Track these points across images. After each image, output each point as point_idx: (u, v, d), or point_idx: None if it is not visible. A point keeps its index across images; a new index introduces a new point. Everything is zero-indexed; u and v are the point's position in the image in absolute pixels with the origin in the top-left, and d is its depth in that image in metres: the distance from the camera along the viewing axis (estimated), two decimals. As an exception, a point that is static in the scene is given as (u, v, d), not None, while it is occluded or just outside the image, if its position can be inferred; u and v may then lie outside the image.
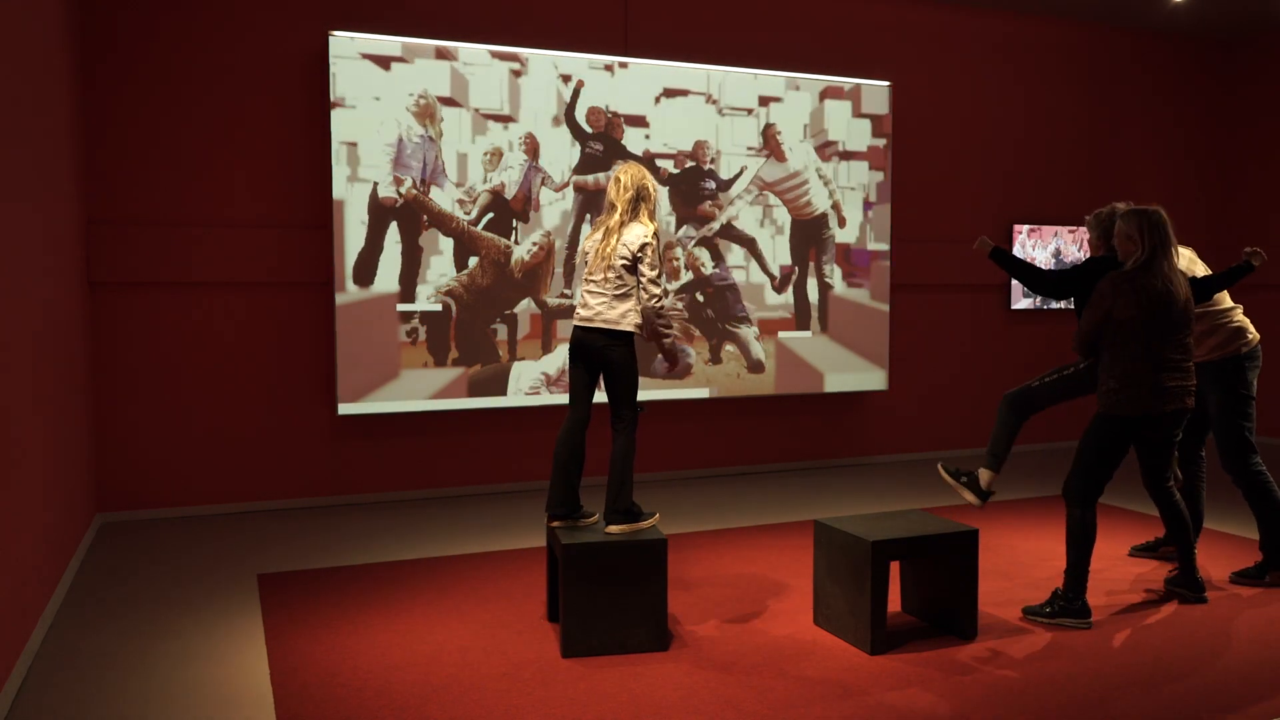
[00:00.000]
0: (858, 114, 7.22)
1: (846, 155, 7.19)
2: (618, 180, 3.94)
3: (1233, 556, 4.94)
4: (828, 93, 7.11)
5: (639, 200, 3.91)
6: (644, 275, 3.83)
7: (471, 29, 6.28)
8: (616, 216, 3.91)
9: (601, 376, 3.97)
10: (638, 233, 3.86)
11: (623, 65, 6.53)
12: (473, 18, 6.30)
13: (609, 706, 3.23)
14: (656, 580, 3.73)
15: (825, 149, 7.10)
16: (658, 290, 3.84)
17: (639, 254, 3.84)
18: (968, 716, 3.17)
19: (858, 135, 7.22)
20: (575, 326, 3.98)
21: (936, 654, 3.71)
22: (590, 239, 4.04)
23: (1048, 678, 3.48)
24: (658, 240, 3.91)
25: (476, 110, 6.19)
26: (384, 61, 5.96)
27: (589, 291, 3.94)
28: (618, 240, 3.88)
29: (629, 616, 3.70)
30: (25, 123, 3.96)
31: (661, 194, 6.66)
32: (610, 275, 3.88)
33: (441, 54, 6.10)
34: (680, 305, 6.76)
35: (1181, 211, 8.82)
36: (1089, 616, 3.98)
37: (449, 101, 6.12)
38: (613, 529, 3.82)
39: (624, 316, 3.86)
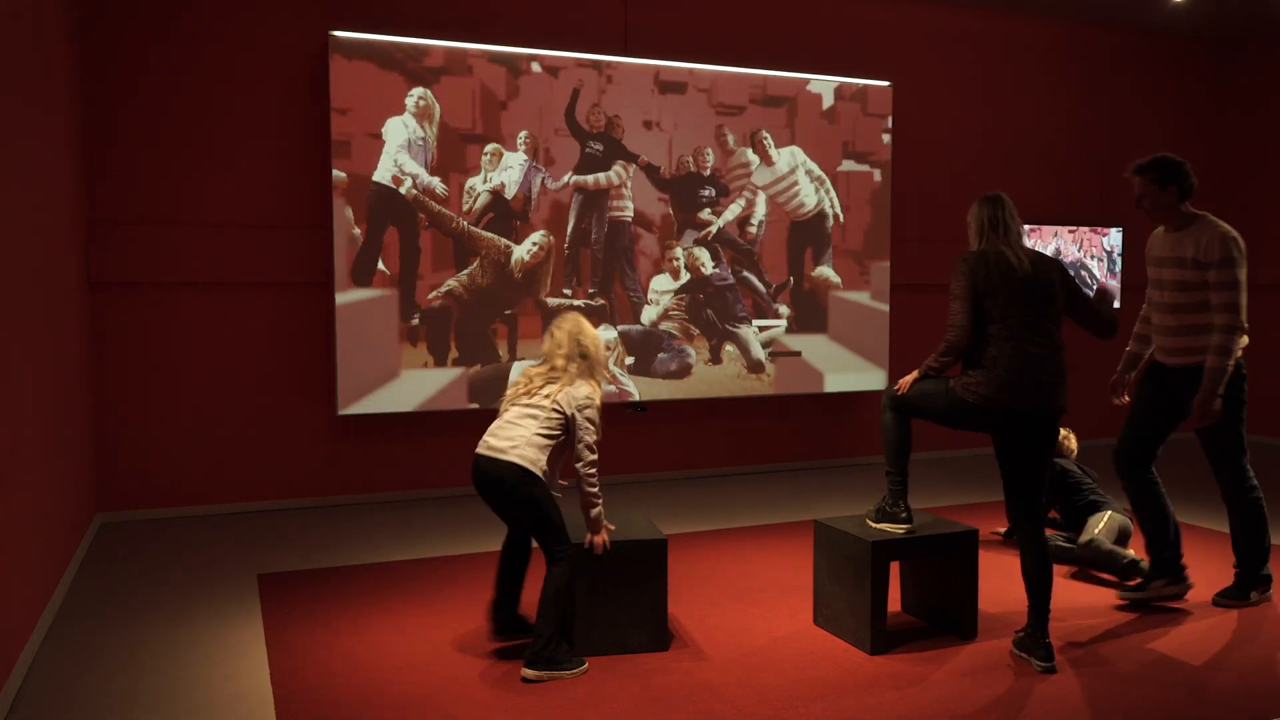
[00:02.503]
0: (861, 114, 7.22)
1: (851, 155, 7.19)
2: (552, 335, 3.72)
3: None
4: (837, 92, 7.11)
5: (582, 358, 3.67)
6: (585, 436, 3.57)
7: (471, 29, 6.28)
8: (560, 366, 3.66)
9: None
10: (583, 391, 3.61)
11: (623, 65, 6.53)
12: (472, 18, 6.30)
13: (609, 706, 3.23)
14: (657, 580, 3.73)
15: (831, 149, 7.11)
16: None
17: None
18: (968, 717, 3.18)
19: (859, 136, 7.23)
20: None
21: (936, 654, 3.71)
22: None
23: (1047, 678, 3.48)
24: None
25: (473, 111, 6.19)
26: (384, 61, 5.96)
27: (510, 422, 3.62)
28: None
29: (629, 616, 3.70)
30: (26, 123, 3.95)
31: (662, 200, 6.66)
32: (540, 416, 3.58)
33: (441, 54, 6.10)
34: (680, 305, 6.76)
35: (1181, 212, 8.82)
36: None
37: (447, 101, 6.13)
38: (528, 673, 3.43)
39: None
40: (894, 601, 4.23)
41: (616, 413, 6.75)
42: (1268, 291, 8.60)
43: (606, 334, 6.54)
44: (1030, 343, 3.55)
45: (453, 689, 3.37)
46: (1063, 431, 4.90)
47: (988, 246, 3.65)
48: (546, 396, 3.59)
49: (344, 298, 5.94)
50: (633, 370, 6.63)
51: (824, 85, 7.10)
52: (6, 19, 3.66)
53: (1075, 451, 5.19)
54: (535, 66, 6.32)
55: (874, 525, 3.85)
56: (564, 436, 3.61)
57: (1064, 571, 4.69)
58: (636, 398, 6.65)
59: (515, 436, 3.57)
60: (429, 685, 3.40)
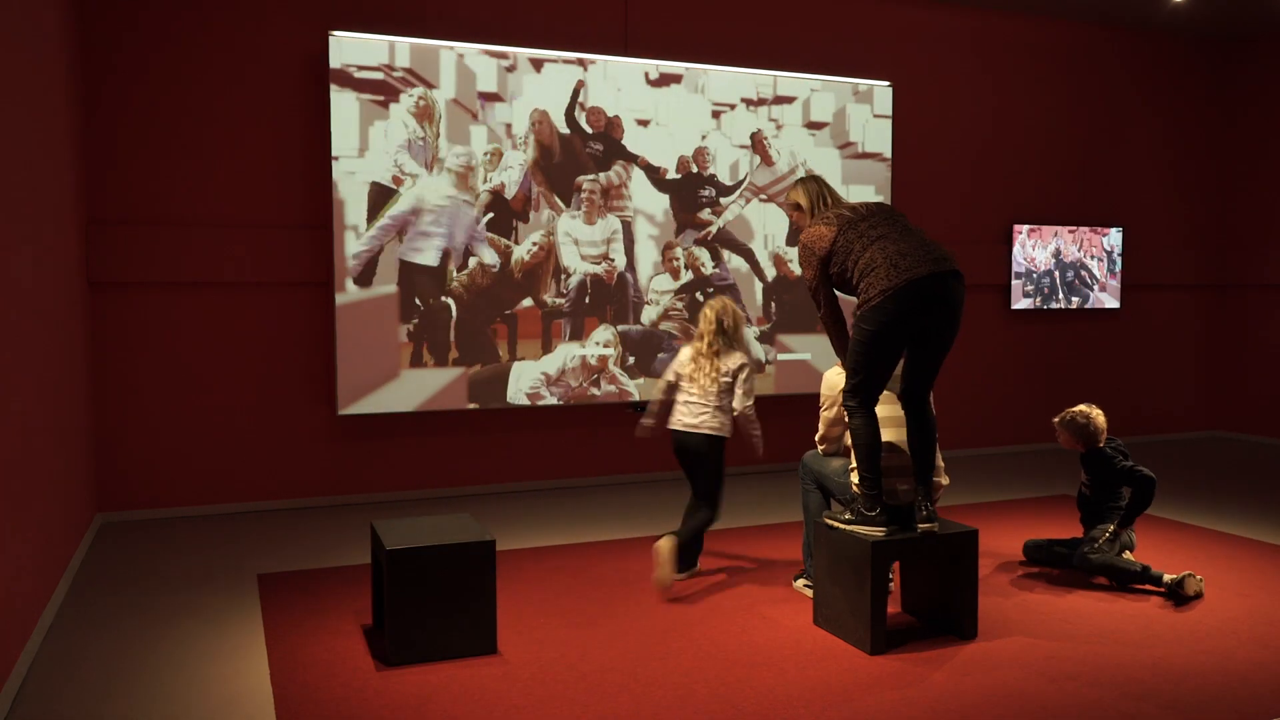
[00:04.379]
0: (862, 114, 7.22)
1: (852, 155, 7.19)
2: (704, 315, 4.61)
3: (1227, 556, 4.94)
4: (831, 92, 7.11)
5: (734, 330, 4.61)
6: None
7: (471, 29, 6.28)
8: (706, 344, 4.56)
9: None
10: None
11: (623, 65, 6.53)
12: (472, 18, 6.30)
13: (609, 706, 3.23)
14: (486, 585, 3.67)
15: (832, 149, 7.11)
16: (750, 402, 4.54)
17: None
18: (968, 716, 3.18)
19: (857, 135, 7.23)
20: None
21: (936, 654, 3.71)
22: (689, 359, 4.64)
23: (1048, 678, 3.48)
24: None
25: (475, 110, 6.19)
26: (383, 61, 5.96)
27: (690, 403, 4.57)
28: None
29: (454, 623, 3.64)
30: (25, 122, 3.96)
31: (661, 200, 6.66)
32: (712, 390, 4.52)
33: (441, 54, 6.10)
34: (680, 305, 6.76)
35: (1181, 212, 8.82)
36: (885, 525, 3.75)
37: (447, 100, 6.13)
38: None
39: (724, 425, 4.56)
40: (894, 601, 4.23)
41: (616, 413, 6.76)
42: (1270, 291, 8.60)
43: (604, 334, 6.55)
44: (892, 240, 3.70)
45: (453, 689, 3.37)
46: (1085, 407, 4.70)
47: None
48: (713, 372, 4.54)
49: (344, 298, 5.94)
50: (633, 370, 6.63)
51: (825, 85, 7.10)
52: (6, 19, 3.66)
53: (1104, 430, 4.64)
54: (535, 66, 6.31)
55: (842, 526, 3.77)
56: (730, 395, 4.56)
57: (1054, 574, 4.69)
58: (636, 398, 6.65)
59: (700, 413, 4.54)
60: (429, 685, 3.41)
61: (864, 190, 7.24)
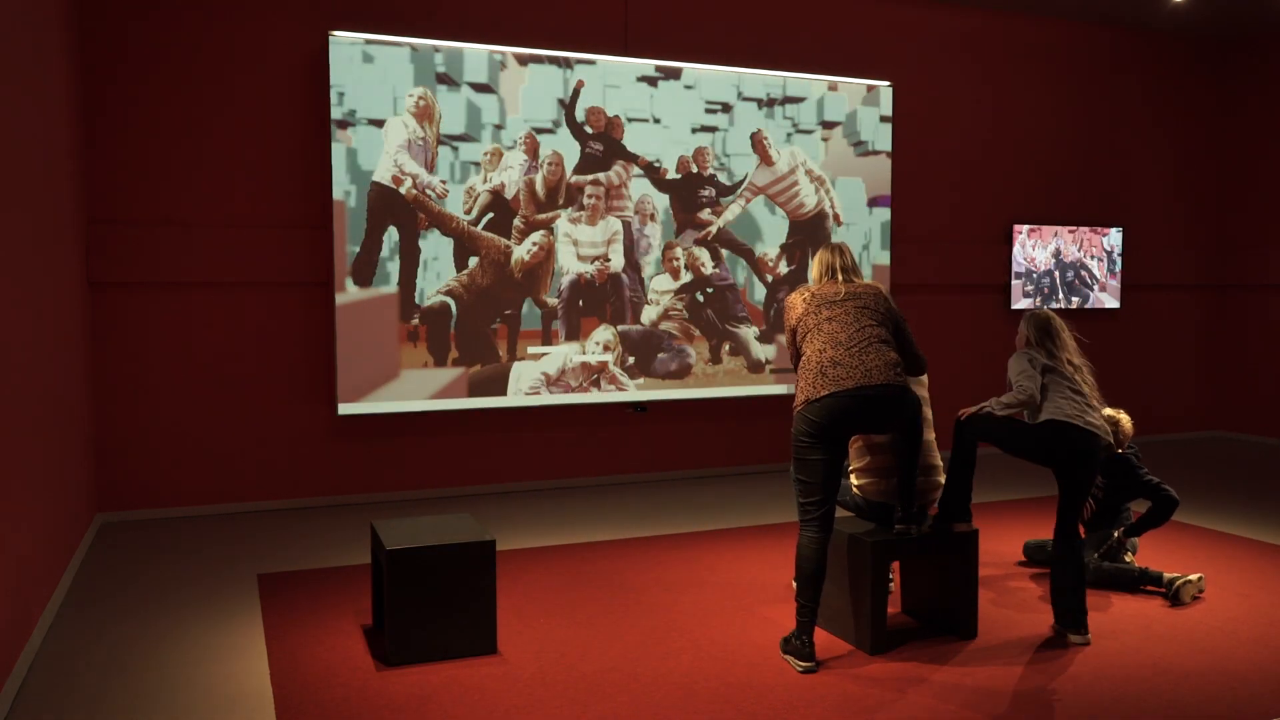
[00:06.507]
0: (862, 114, 7.22)
1: (866, 155, 7.19)
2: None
3: (1229, 557, 4.94)
4: (844, 93, 7.11)
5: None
6: None
7: (471, 29, 6.28)
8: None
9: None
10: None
11: (623, 65, 6.53)
12: (473, 18, 6.30)
13: (609, 706, 3.23)
14: (486, 585, 3.66)
15: (832, 149, 7.11)
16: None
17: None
18: (967, 716, 3.18)
19: (868, 135, 7.23)
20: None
21: (936, 654, 3.71)
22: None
23: (1047, 678, 3.48)
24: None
25: (474, 110, 6.19)
26: (383, 61, 5.96)
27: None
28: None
29: (454, 622, 3.63)
30: (25, 122, 3.96)
31: (661, 199, 6.66)
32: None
33: (441, 54, 6.09)
34: (680, 305, 6.76)
35: (1181, 212, 8.82)
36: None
37: (446, 100, 6.13)
38: None
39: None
40: (894, 601, 4.23)
41: (617, 412, 6.76)
42: (1270, 291, 8.60)
43: (605, 334, 6.55)
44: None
45: (453, 689, 3.38)
46: (1111, 411, 4.52)
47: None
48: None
49: (344, 298, 5.94)
50: (633, 370, 6.63)
51: (824, 85, 7.10)
52: (6, 20, 3.66)
53: (1130, 435, 4.62)
54: (534, 66, 6.31)
55: (782, 654, 3.66)
56: None
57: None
58: (636, 397, 6.64)
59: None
60: (429, 685, 3.41)
61: (862, 190, 7.24)
